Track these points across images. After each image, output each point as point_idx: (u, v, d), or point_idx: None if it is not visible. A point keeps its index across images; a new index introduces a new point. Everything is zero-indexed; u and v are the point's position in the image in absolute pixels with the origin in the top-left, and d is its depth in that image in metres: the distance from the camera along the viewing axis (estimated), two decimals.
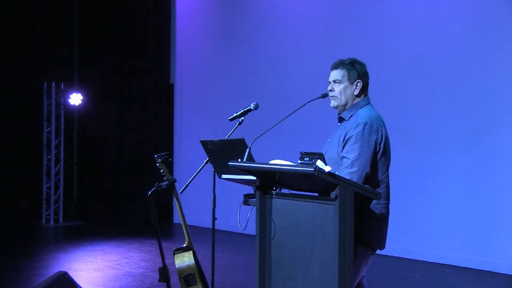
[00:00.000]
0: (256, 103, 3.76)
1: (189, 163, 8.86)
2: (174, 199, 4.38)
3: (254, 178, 2.99)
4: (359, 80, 3.19)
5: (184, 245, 4.27)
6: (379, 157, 3.05)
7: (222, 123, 4.32)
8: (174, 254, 4.22)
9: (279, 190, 2.97)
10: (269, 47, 8.39)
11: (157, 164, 4.29)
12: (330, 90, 3.23)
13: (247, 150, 3.06)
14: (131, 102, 10.59)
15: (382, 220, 3.07)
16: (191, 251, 4.22)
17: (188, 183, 4.05)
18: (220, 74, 9.04)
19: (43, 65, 10.24)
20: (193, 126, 9.44)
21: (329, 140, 3.25)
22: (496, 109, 6.29)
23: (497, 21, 6.30)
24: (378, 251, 3.13)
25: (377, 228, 3.05)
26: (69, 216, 9.90)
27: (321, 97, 3.27)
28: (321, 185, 2.71)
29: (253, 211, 3.00)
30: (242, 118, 3.77)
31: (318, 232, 2.70)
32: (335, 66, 3.24)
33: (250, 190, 3.08)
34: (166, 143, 9.82)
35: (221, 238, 6.56)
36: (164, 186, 4.21)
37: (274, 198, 2.95)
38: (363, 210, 2.94)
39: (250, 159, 3.09)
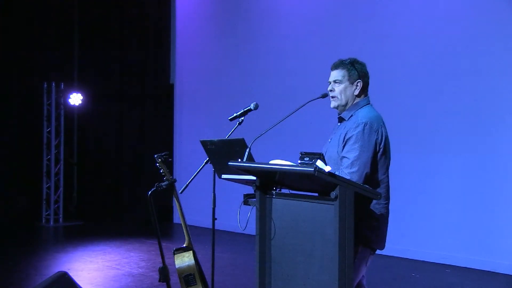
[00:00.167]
0: (256, 103, 3.76)
1: (189, 163, 8.85)
2: (174, 199, 4.38)
3: (254, 178, 2.99)
4: (359, 80, 3.19)
5: (184, 245, 4.27)
6: (379, 157, 3.05)
7: (222, 123, 4.33)
8: (174, 254, 4.22)
9: (279, 190, 2.97)
10: (269, 47, 8.38)
11: (157, 164, 4.29)
12: (330, 90, 3.23)
13: (247, 150, 3.06)
14: (131, 102, 10.60)
15: (382, 220, 3.08)
16: (191, 251, 4.22)
17: (188, 183, 4.05)
18: (220, 74, 9.04)
19: (43, 65, 10.24)
20: (193, 126, 9.44)
21: (329, 140, 3.25)
22: (496, 109, 6.28)
23: (499, 21, 6.29)
24: (378, 251, 3.13)
25: (377, 228, 3.06)
26: (69, 216, 9.90)
27: (321, 97, 3.27)
28: (321, 185, 2.71)
29: (253, 211, 3.00)
30: (242, 118, 3.76)
31: (318, 232, 2.70)
32: (335, 66, 3.23)
33: (250, 190, 3.07)
34: (166, 143, 9.81)
35: (221, 238, 6.56)
36: (164, 186, 4.21)
37: (274, 198, 2.95)
38: (363, 210, 2.93)
39: (250, 159, 3.09)
